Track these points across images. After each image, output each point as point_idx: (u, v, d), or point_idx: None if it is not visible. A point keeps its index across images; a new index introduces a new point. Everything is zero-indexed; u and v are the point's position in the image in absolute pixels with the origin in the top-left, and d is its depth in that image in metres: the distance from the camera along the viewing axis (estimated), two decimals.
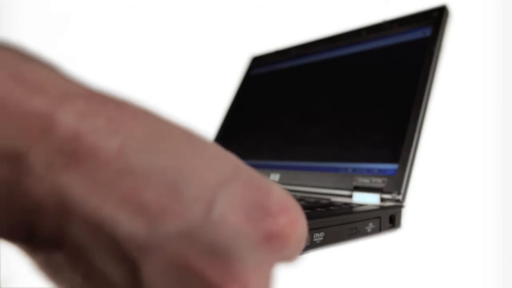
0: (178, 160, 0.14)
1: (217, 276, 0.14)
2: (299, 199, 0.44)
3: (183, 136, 0.15)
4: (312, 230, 0.31)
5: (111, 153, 0.14)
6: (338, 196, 0.45)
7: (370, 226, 0.36)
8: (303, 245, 0.17)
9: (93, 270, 0.15)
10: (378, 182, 0.42)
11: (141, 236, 0.14)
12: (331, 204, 0.41)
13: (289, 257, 0.17)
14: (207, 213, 0.14)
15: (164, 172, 0.14)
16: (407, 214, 0.40)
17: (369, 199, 0.42)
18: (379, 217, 0.37)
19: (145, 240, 0.14)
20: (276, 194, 0.15)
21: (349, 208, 0.38)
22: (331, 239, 0.32)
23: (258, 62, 0.70)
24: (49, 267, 0.15)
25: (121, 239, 0.14)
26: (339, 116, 0.51)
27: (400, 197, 0.40)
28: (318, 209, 0.37)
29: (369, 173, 0.44)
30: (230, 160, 0.16)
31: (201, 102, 0.85)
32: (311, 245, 0.31)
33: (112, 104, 0.15)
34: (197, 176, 0.14)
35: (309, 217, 0.32)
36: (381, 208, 0.39)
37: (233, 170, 0.15)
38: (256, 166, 0.65)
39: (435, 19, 0.47)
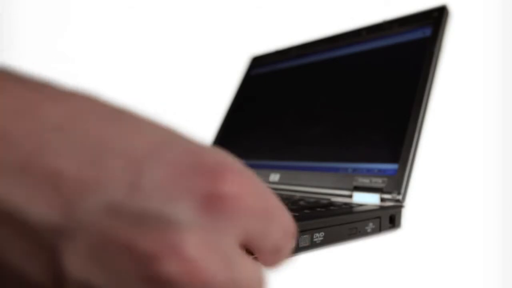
0: (101, 134, 0.13)
1: (151, 247, 0.12)
2: (299, 199, 0.44)
3: (107, 111, 0.14)
4: (312, 230, 0.31)
5: (20, 133, 0.13)
6: (338, 196, 0.45)
7: (370, 226, 0.36)
8: (274, 217, 0.16)
9: (7, 269, 0.13)
10: (378, 182, 0.42)
11: (59, 220, 0.12)
12: (331, 204, 0.41)
13: (259, 232, 0.15)
14: (135, 182, 0.13)
15: (84, 147, 0.13)
16: (407, 214, 0.40)
17: (369, 199, 0.42)
18: (379, 217, 0.37)
19: (64, 224, 0.12)
20: (211, 156, 0.14)
21: (349, 208, 0.38)
22: (331, 239, 0.32)
23: (258, 62, 0.70)
24: None
25: (35, 226, 0.13)
26: (339, 116, 0.51)
27: (400, 197, 0.40)
28: (318, 209, 0.37)
29: (369, 173, 0.44)
30: (160, 130, 0.15)
31: (201, 102, 0.85)
32: (311, 245, 0.31)
33: (26, 84, 0.14)
34: (123, 147, 0.13)
35: (309, 217, 0.32)
36: (381, 208, 0.39)
37: (163, 139, 0.14)
38: (256, 166, 0.65)
39: (435, 19, 0.47)
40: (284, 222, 0.16)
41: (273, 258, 0.17)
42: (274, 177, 0.53)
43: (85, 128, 0.13)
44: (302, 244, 0.30)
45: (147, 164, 0.13)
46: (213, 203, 0.13)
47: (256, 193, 0.14)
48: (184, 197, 0.13)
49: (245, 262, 0.15)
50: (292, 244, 0.17)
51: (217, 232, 0.13)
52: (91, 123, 0.14)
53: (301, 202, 0.41)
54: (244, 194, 0.14)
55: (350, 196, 0.44)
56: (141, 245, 0.12)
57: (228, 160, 0.15)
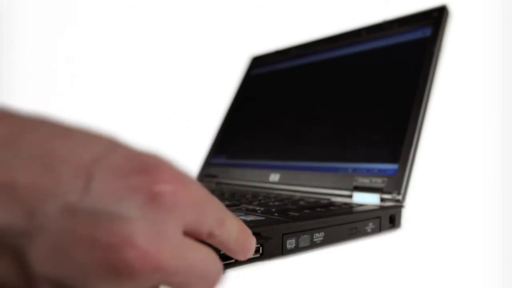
0: (48, 146, 0.15)
1: (108, 239, 0.14)
2: (299, 199, 0.44)
3: (51, 127, 0.16)
4: (312, 230, 0.31)
5: None
6: (338, 196, 0.45)
7: (370, 226, 0.36)
8: (212, 213, 0.18)
9: None
10: (378, 182, 0.42)
11: (20, 223, 0.14)
12: (331, 204, 0.41)
13: (194, 221, 0.17)
14: (87, 187, 0.15)
15: (34, 158, 0.15)
16: (407, 214, 0.40)
17: (369, 199, 0.42)
18: (379, 217, 0.37)
19: (25, 226, 0.14)
20: (149, 159, 0.16)
21: (349, 208, 0.38)
22: (331, 239, 0.32)
23: (258, 62, 0.70)
24: None
25: None
26: (339, 116, 0.51)
27: (400, 197, 0.40)
28: (318, 209, 0.37)
29: (369, 173, 0.44)
30: (104, 139, 0.17)
31: (201, 102, 0.85)
32: (311, 245, 0.31)
33: None
34: (72, 156, 0.15)
35: (309, 217, 0.32)
36: (381, 208, 0.39)
37: (108, 147, 0.16)
38: (256, 166, 0.65)
39: (435, 19, 0.47)
40: (214, 210, 0.19)
41: (213, 241, 0.19)
42: (274, 177, 0.53)
43: (31, 143, 0.15)
44: (302, 244, 0.30)
45: (94, 170, 0.15)
46: (154, 199, 0.15)
47: (189, 188, 0.17)
48: (129, 195, 0.15)
49: (194, 247, 0.17)
50: (226, 228, 0.19)
51: (160, 223, 0.16)
52: (37, 138, 0.15)
53: (301, 202, 0.41)
54: (178, 190, 0.16)
55: (350, 196, 0.44)
56: (99, 238, 0.14)
57: (164, 162, 0.17)
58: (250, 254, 0.22)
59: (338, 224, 0.33)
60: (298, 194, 0.49)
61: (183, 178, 0.17)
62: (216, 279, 0.18)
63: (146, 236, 0.15)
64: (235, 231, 0.20)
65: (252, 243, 0.22)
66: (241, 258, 0.22)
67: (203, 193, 0.18)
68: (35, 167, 0.15)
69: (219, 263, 0.18)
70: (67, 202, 0.14)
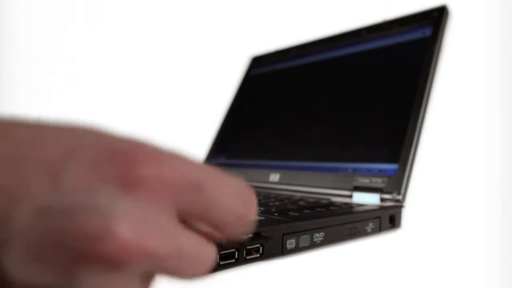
0: (12, 148, 0.14)
1: (85, 234, 0.13)
2: (299, 199, 0.44)
3: (12, 126, 0.15)
4: (312, 230, 0.31)
5: None
6: (338, 196, 0.45)
7: (370, 226, 0.36)
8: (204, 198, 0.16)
9: None
10: (378, 182, 0.42)
11: None
12: (331, 204, 0.41)
13: (195, 204, 0.16)
14: (55, 184, 0.14)
15: (1, 162, 0.14)
16: (407, 214, 0.40)
17: (369, 199, 0.42)
18: (379, 217, 0.37)
19: None
20: (123, 144, 0.15)
21: (349, 208, 0.38)
22: (331, 239, 0.32)
23: (258, 62, 0.70)
24: None
25: None
26: (339, 116, 0.51)
27: (400, 197, 0.40)
28: (318, 209, 0.37)
29: (369, 173, 0.44)
30: (71, 131, 0.16)
31: (201, 102, 0.85)
32: (311, 245, 0.31)
33: None
34: (38, 154, 0.14)
35: (309, 217, 0.32)
36: (381, 208, 0.39)
37: (75, 139, 0.15)
38: (256, 166, 0.64)
39: (435, 19, 0.47)
40: (228, 189, 0.17)
41: (236, 226, 0.17)
42: (274, 177, 0.53)
43: None
44: (302, 244, 0.30)
45: (63, 164, 0.14)
46: (131, 186, 0.14)
47: (178, 169, 0.15)
48: (103, 185, 0.14)
49: (185, 234, 0.16)
50: (250, 207, 0.17)
51: (146, 210, 0.14)
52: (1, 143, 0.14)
53: (301, 202, 0.41)
54: (162, 173, 0.15)
55: (350, 196, 0.44)
56: (75, 235, 0.13)
57: (141, 145, 0.15)
58: (251, 221, 0.19)
59: (338, 224, 0.33)
60: (298, 194, 0.49)
61: (171, 159, 0.16)
62: (210, 261, 0.17)
63: (128, 226, 0.14)
64: (232, 204, 0.17)
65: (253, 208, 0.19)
66: (240, 230, 0.18)
67: (205, 173, 0.16)
68: (1, 170, 0.14)
69: (211, 245, 0.17)
70: (38, 204, 0.14)
